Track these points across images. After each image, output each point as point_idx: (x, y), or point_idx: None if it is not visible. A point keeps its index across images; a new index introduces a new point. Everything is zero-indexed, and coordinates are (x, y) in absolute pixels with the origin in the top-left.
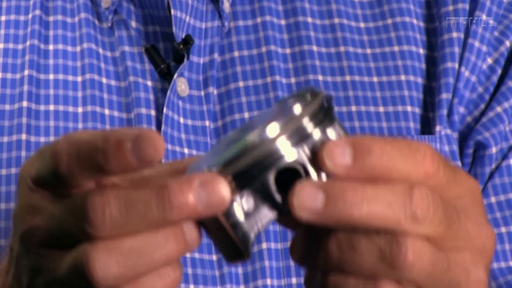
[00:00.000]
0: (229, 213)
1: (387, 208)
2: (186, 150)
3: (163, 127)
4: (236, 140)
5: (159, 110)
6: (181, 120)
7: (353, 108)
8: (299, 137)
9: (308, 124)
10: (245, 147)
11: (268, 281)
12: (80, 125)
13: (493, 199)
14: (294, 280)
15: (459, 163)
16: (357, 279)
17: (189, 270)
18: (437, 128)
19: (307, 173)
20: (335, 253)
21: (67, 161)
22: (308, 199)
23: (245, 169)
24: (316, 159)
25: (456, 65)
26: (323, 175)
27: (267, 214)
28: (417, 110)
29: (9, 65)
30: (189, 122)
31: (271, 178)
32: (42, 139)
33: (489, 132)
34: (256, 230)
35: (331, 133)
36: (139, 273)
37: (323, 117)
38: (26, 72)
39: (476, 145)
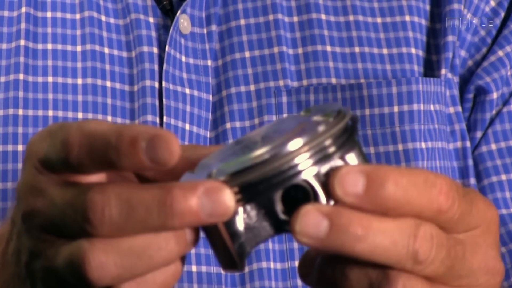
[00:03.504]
0: (229, 222)
1: (391, 244)
2: (187, 90)
3: (165, 66)
4: (253, 148)
5: (161, 47)
6: (183, 58)
7: (357, 50)
8: (318, 157)
9: (330, 146)
10: (259, 160)
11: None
12: (79, 64)
13: (493, 146)
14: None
15: (459, 108)
16: None
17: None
18: (442, 71)
19: (316, 195)
20: (328, 276)
21: (78, 152)
22: (310, 227)
23: (254, 182)
24: (327, 183)
25: (462, 6)
26: (332, 201)
27: (268, 230)
28: (421, 52)
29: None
30: (191, 60)
31: (278, 195)
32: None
33: (490, 77)
34: (254, 244)
35: (350, 158)
36: (137, 274)
37: (346, 140)
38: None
39: (476, 90)
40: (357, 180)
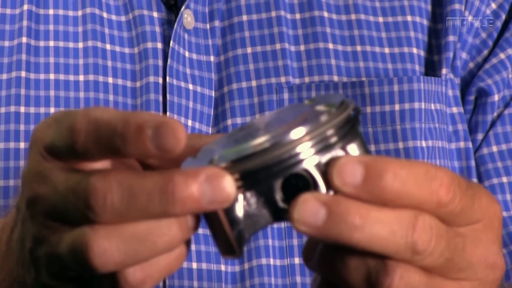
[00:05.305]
0: (229, 209)
1: (389, 235)
2: (190, 86)
3: (169, 61)
4: (255, 136)
5: (165, 42)
6: (187, 54)
7: (358, 48)
8: (319, 147)
9: (331, 136)
10: (260, 148)
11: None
12: (80, 61)
13: (494, 148)
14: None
15: (461, 108)
16: None
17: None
18: (443, 71)
19: (316, 185)
20: (328, 262)
21: (84, 139)
22: (308, 215)
23: (255, 170)
24: (327, 173)
25: (463, 7)
26: (332, 191)
27: (267, 218)
28: (422, 52)
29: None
30: (194, 56)
31: (278, 183)
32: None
33: (491, 79)
34: (252, 231)
35: (352, 148)
36: (140, 260)
37: (348, 130)
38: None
39: (478, 92)
40: (356, 170)
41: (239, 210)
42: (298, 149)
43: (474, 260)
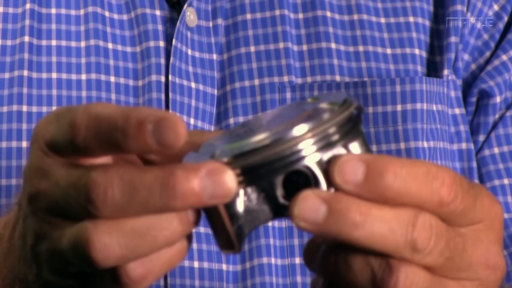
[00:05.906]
0: (230, 204)
1: (388, 233)
2: (193, 85)
3: (171, 59)
4: (257, 132)
5: (167, 41)
6: (189, 52)
7: (361, 48)
8: (321, 144)
9: (334, 134)
10: (262, 143)
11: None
12: (82, 60)
13: (496, 150)
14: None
15: (463, 109)
16: None
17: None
18: (445, 72)
19: (317, 182)
20: (332, 264)
21: (85, 135)
22: (309, 211)
23: (256, 165)
24: (328, 170)
25: (465, 9)
26: (332, 189)
27: (267, 214)
28: (424, 53)
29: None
30: (197, 54)
31: (279, 179)
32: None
33: (493, 81)
34: (252, 227)
35: (354, 147)
36: (141, 254)
37: (350, 128)
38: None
39: (480, 93)
40: (357, 168)
41: (240, 205)
42: (300, 146)
43: (474, 260)
